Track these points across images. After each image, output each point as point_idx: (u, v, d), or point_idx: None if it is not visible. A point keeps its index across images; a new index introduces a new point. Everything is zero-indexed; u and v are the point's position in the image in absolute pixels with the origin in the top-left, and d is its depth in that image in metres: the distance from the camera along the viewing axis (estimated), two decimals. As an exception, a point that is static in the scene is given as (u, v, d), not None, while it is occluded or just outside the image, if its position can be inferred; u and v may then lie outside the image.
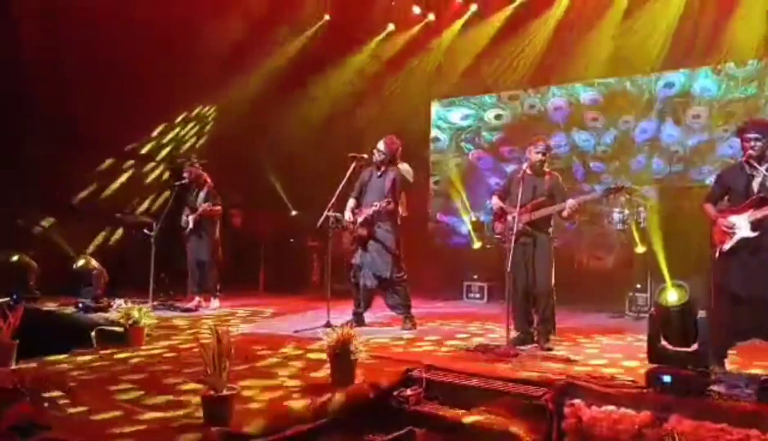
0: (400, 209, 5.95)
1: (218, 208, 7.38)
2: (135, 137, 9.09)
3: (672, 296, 3.65)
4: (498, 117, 9.89)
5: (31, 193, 7.52)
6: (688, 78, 8.27)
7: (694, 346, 3.50)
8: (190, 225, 7.29)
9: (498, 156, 9.79)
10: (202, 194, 7.33)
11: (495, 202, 5.38)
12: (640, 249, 7.09)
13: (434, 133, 10.46)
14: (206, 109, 10.22)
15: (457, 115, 10.25)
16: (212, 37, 8.77)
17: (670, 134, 8.38)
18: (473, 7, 9.64)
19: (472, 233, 9.28)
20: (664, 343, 3.58)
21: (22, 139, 7.49)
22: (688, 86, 8.26)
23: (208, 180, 7.46)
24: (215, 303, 7.37)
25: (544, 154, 5.16)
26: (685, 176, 8.16)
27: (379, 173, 6.00)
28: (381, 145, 5.98)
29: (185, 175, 7.42)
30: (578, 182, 8.89)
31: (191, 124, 10.09)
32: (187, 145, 9.97)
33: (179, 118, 9.80)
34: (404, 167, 5.98)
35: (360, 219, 5.87)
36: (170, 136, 9.74)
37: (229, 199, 7.86)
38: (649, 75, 8.48)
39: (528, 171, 5.05)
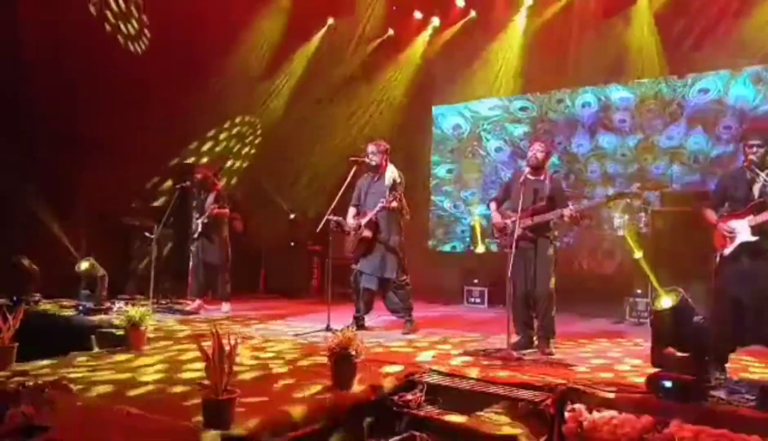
0: (403, 211, 5.94)
1: (225, 210, 7.39)
2: (138, 141, 9.09)
3: (666, 302, 3.66)
4: (523, 109, 9.80)
5: (32, 194, 7.52)
6: (725, 83, 8.07)
7: (691, 351, 3.50)
8: (199, 228, 7.30)
9: (517, 150, 9.71)
10: (210, 197, 7.34)
11: (494, 213, 5.36)
12: (639, 254, 7.09)
13: (456, 120, 10.45)
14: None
15: (484, 104, 10.14)
16: (214, 42, 8.80)
17: (696, 142, 8.27)
18: (472, 13, 9.71)
19: (478, 234, 9.28)
20: (669, 349, 3.58)
21: (25, 140, 7.49)
22: (723, 93, 8.06)
23: (218, 184, 7.48)
24: (226, 306, 7.37)
25: (542, 162, 5.13)
26: (703, 185, 8.02)
27: (376, 177, 6.01)
28: (372, 148, 6.00)
29: (196, 175, 7.44)
30: (594, 184, 8.87)
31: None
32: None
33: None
34: (392, 168, 6.00)
35: (364, 221, 5.86)
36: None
37: (232, 203, 7.86)
38: (684, 77, 8.31)
39: (529, 175, 5.05)
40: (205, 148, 9.95)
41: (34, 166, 7.49)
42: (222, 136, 10.15)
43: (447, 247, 10.33)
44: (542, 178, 5.14)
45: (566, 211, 4.91)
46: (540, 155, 5.12)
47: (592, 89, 9.11)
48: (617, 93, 8.92)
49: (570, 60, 8.76)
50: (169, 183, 9.14)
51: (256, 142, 10.42)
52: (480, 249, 9.14)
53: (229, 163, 10.19)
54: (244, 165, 10.35)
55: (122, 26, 8.50)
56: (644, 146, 8.64)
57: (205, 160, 9.67)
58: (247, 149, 10.45)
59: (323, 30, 10.17)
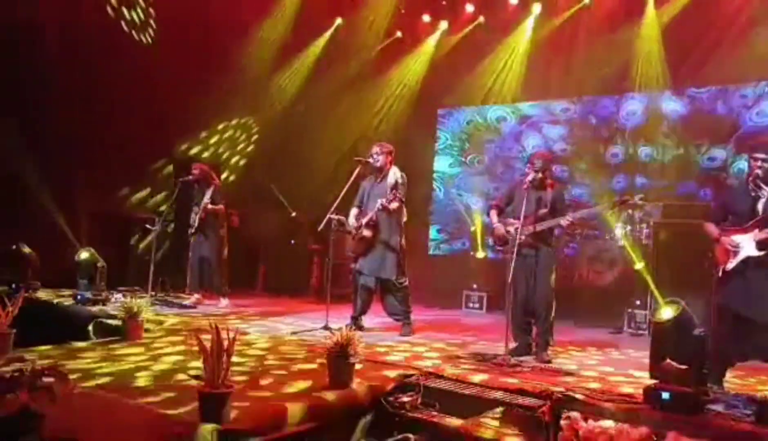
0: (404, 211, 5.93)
1: (220, 207, 7.38)
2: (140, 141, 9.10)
3: (666, 313, 3.66)
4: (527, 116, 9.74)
5: (34, 183, 7.52)
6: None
7: (690, 362, 3.49)
8: (196, 223, 7.30)
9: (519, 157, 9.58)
10: (208, 192, 7.34)
11: (494, 222, 5.34)
12: (640, 265, 7.08)
13: (461, 124, 10.44)
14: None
15: (490, 109, 10.03)
16: (220, 44, 8.83)
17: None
18: (480, 18, 9.71)
19: (479, 239, 9.27)
20: (669, 361, 3.57)
21: (30, 128, 7.49)
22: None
23: (215, 178, 7.47)
24: (224, 302, 7.37)
25: (543, 171, 5.13)
26: (704, 198, 7.93)
27: (379, 178, 6.01)
28: (376, 149, 6.00)
29: (194, 171, 7.44)
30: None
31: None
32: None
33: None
34: (395, 170, 5.99)
35: (364, 220, 5.86)
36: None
37: (234, 199, 7.84)
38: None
39: (532, 184, 5.03)
40: (212, 141, 10.00)
41: (37, 155, 7.49)
42: (226, 134, 10.21)
43: (447, 249, 10.31)
44: (545, 186, 5.14)
45: (563, 221, 4.95)
46: (538, 163, 5.12)
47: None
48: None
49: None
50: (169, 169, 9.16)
51: (256, 139, 10.45)
52: (480, 254, 9.11)
53: (229, 157, 10.24)
54: (243, 162, 10.38)
55: (126, 13, 8.54)
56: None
57: (207, 153, 9.71)
58: (247, 147, 10.49)
59: (331, 30, 10.18)
